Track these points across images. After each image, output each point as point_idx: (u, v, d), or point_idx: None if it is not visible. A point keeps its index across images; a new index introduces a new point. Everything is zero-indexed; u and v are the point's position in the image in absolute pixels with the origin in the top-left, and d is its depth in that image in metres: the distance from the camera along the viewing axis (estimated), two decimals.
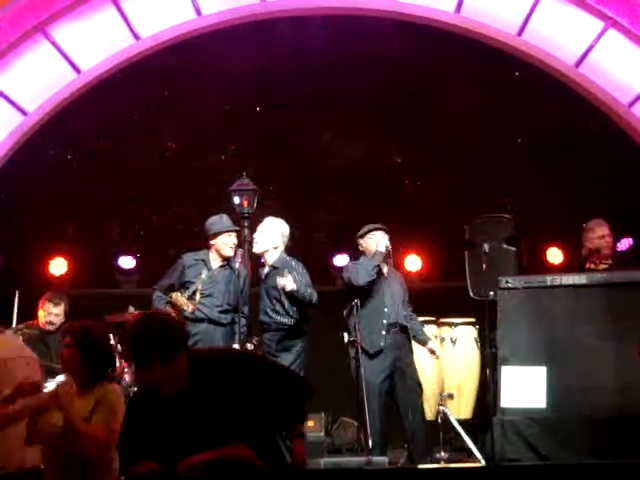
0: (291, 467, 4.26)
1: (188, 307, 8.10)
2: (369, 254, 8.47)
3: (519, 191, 10.78)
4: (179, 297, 8.14)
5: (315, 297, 8.11)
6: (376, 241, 8.44)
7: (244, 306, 8.31)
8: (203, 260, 8.36)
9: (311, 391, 4.50)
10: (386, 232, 8.52)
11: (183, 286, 8.26)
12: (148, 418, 4.45)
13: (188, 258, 8.41)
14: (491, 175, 10.92)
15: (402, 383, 8.27)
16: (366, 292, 8.28)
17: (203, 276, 8.22)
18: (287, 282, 7.97)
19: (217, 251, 8.34)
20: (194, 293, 8.16)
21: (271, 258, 8.26)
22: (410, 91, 10.84)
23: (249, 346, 8.28)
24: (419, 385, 8.39)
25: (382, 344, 8.23)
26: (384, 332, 8.25)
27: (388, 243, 8.39)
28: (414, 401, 8.27)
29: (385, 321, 8.28)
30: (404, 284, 8.66)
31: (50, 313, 8.95)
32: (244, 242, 8.70)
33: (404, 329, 8.37)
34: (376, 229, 8.54)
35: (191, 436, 4.26)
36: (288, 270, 8.12)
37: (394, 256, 8.71)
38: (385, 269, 8.49)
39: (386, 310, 8.32)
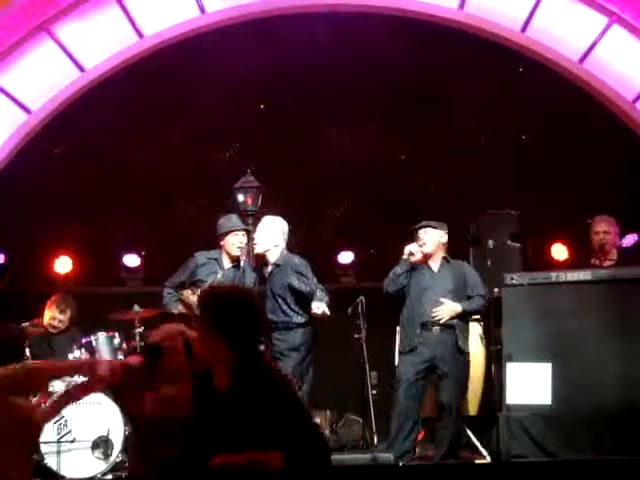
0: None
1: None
2: None
3: (524, 187, 10.77)
4: (191, 296, 8.11)
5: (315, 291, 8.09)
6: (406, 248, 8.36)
7: None
8: (216, 259, 8.36)
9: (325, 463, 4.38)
10: (420, 230, 8.28)
11: (194, 284, 8.25)
12: (199, 409, 4.41)
13: (201, 257, 8.40)
14: (496, 171, 10.90)
15: (439, 381, 8.19)
16: (405, 294, 8.20)
17: (219, 276, 8.21)
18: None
19: (226, 251, 8.34)
20: None
21: (273, 256, 8.25)
22: (414, 88, 10.83)
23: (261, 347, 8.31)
24: (459, 385, 8.20)
25: (415, 342, 8.12)
26: (418, 330, 8.14)
27: (413, 248, 8.16)
28: (446, 400, 8.16)
29: (421, 320, 8.14)
30: (463, 277, 8.32)
31: (55, 318, 8.97)
32: (249, 240, 8.69)
33: (447, 327, 8.13)
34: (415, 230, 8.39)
35: (224, 436, 4.21)
36: (291, 268, 8.12)
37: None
38: (435, 266, 8.32)
39: (423, 309, 8.14)
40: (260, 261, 8.48)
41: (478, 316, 9.60)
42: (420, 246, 8.21)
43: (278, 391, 4.22)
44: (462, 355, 8.16)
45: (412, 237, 8.29)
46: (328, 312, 8.05)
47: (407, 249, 8.19)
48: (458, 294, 8.22)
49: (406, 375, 8.08)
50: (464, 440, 8.77)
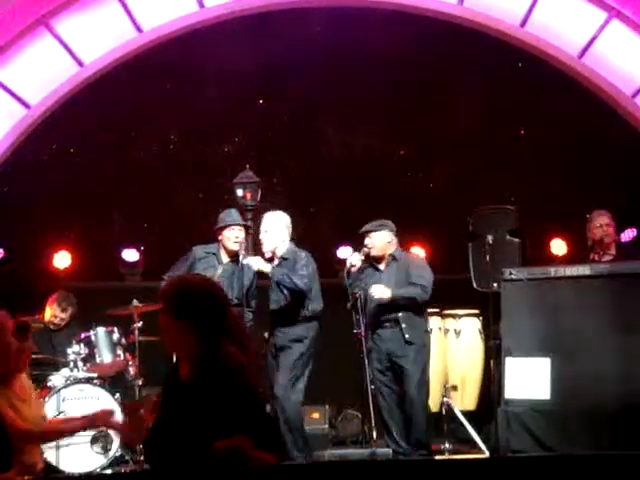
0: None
1: None
2: None
3: (523, 182, 10.77)
4: None
5: (301, 284, 8.10)
6: None
7: (252, 300, 8.33)
8: (214, 254, 8.36)
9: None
10: (365, 236, 8.48)
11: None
12: (166, 400, 4.49)
13: (199, 250, 8.40)
14: (494, 166, 10.91)
15: (400, 375, 8.27)
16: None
17: (219, 271, 8.21)
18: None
19: (223, 245, 8.34)
20: None
21: (280, 251, 8.26)
22: (413, 83, 10.83)
23: (266, 335, 8.35)
24: (417, 376, 8.24)
25: (370, 342, 8.26)
26: (370, 330, 8.29)
27: (353, 259, 8.30)
28: (407, 393, 8.24)
29: (371, 319, 8.29)
30: (407, 270, 8.41)
31: (56, 316, 9.04)
32: (248, 235, 8.68)
33: (394, 322, 8.27)
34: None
35: (187, 424, 4.29)
36: (298, 262, 8.13)
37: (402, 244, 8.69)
38: (382, 266, 8.48)
39: (371, 309, 8.30)
40: (263, 255, 8.47)
41: (477, 311, 9.64)
42: (367, 253, 8.39)
43: (234, 379, 4.28)
44: (412, 346, 8.24)
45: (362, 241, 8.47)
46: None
47: (348, 262, 8.39)
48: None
49: (375, 374, 8.26)
50: (459, 434, 8.83)
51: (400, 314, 8.25)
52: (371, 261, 8.50)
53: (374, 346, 8.31)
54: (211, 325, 4.41)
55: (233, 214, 8.45)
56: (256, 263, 8.12)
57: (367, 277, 8.46)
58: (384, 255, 8.47)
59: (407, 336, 8.21)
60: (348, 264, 8.35)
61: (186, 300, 4.41)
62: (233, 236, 8.27)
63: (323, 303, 8.23)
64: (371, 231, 8.46)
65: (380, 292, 8.18)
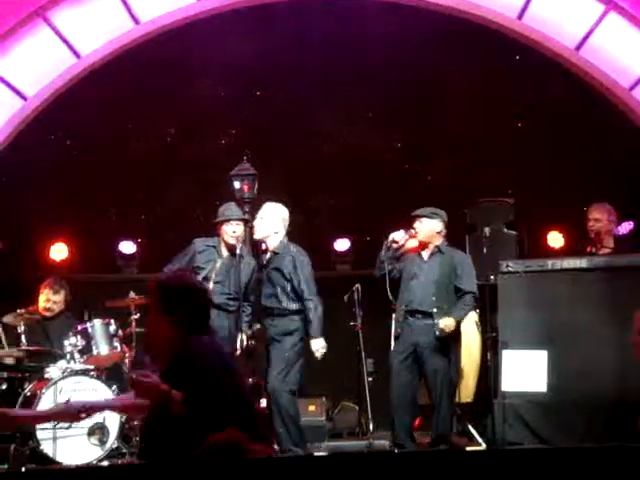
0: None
1: None
2: None
3: (519, 175, 10.77)
4: None
5: (307, 293, 8.10)
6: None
7: (251, 294, 8.34)
8: (214, 247, 8.35)
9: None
10: (416, 219, 8.38)
11: (192, 271, 8.25)
12: None
13: (199, 244, 8.40)
14: (491, 159, 10.89)
15: (424, 369, 8.22)
16: (398, 280, 8.29)
17: (218, 265, 8.22)
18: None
19: (223, 239, 8.34)
20: (204, 279, 8.16)
21: (272, 243, 8.26)
22: (410, 76, 10.81)
23: (257, 326, 8.39)
24: (444, 373, 8.17)
25: (399, 329, 8.22)
26: (402, 318, 8.22)
27: (397, 236, 8.25)
28: (433, 388, 8.20)
29: (405, 307, 8.22)
30: (453, 267, 8.29)
31: (49, 300, 8.98)
32: (246, 228, 8.68)
33: (430, 315, 8.16)
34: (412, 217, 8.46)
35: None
36: (289, 256, 8.12)
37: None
38: (426, 255, 8.39)
39: (408, 297, 8.24)
40: (259, 248, 8.49)
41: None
42: (413, 235, 8.30)
43: (196, 366, 4.38)
44: (441, 344, 8.15)
45: (412, 223, 8.36)
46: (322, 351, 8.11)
47: (391, 236, 8.28)
48: (444, 285, 8.24)
49: (394, 361, 8.19)
50: (458, 427, 8.83)
51: (435, 310, 8.16)
52: (418, 248, 8.43)
53: (401, 334, 8.21)
54: (193, 322, 4.47)
55: (232, 208, 8.44)
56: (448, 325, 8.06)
57: (409, 263, 8.37)
58: (428, 244, 8.36)
59: (438, 333, 8.09)
60: (390, 238, 8.28)
61: (170, 297, 4.50)
62: (231, 231, 8.27)
63: (320, 296, 8.22)
64: (423, 216, 8.35)
65: (449, 326, 8.05)
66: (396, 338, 8.24)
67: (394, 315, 8.40)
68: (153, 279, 4.83)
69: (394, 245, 8.28)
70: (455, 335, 8.25)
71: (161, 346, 4.55)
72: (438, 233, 8.37)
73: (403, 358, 8.15)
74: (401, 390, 8.13)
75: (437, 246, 8.35)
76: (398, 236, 8.27)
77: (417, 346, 8.14)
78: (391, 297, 8.21)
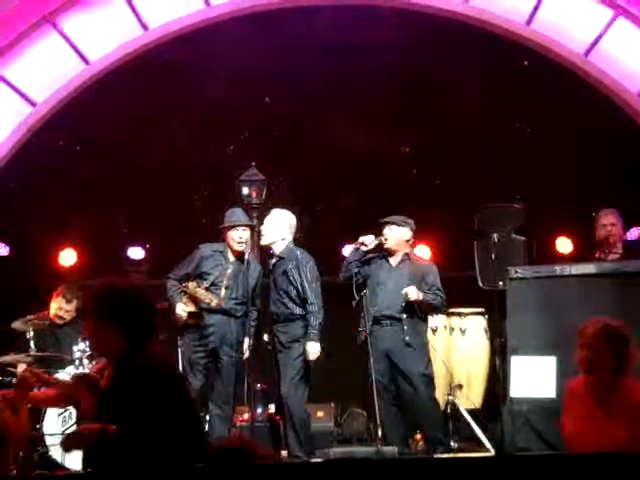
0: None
1: (212, 301, 8.03)
2: None
3: (528, 180, 10.75)
4: (197, 289, 8.10)
5: (309, 296, 8.10)
6: None
7: (257, 299, 8.34)
8: (221, 252, 8.33)
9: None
10: (386, 225, 8.47)
11: (199, 276, 8.24)
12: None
13: (206, 249, 8.37)
14: (500, 165, 10.88)
15: (396, 376, 8.26)
16: (361, 285, 8.34)
17: (229, 271, 8.21)
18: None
19: (229, 245, 8.33)
20: (213, 284, 8.15)
21: (278, 249, 8.27)
22: (419, 80, 10.81)
23: (265, 337, 8.39)
24: (420, 376, 8.23)
25: (370, 336, 8.24)
26: (370, 324, 8.25)
27: (367, 239, 8.34)
28: (406, 393, 8.24)
29: (373, 314, 8.27)
30: (421, 276, 8.37)
31: (61, 308, 8.99)
32: (253, 233, 8.68)
33: (396, 320, 8.24)
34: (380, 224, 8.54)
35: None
36: (294, 260, 8.13)
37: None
38: (394, 262, 8.46)
39: (375, 303, 8.29)
40: (266, 254, 8.49)
41: (482, 309, 9.62)
42: (382, 242, 8.39)
43: (140, 380, 4.40)
44: (412, 349, 8.20)
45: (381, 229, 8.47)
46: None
47: (361, 239, 8.35)
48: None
49: (372, 378, 8.16)
50: (466, 432, 8.81)
51: (404, 315, 8.24)
52: (385, 253, 8.49)
53: (373, 342, 8.23)
54: (135, 327, 4.50)
55: (238, 214, 8.42)
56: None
57: (377, 267, 8.43)
58: (396, 251, 8.44)
59: (407, 338, 8.19)
60: (360, 240, 8.35)
61: (110, 303, 4.57)
62: (237, 237, 8.25)
63: (327, 301, 8.21)
64: (393, 223, 8.44)
65: (414, 293, 8.13)
66: (364, 342, 8.24)
67: (362, 320, 8.37)
68: (95, 286, 4.87)
69: (362, 248, 8.36)
70: (424, 336, 8.43)
71: (109, 354, 4.65)
72: (407, 241, 8.49)
73: (381, 372, 8.20)
74: (385, 397, 8.21)
75: (407, 254, 8.47)
76: (368, 240, 8.36)
77: (387, 352, 8.22)
78: (357, 298, 8.23)
